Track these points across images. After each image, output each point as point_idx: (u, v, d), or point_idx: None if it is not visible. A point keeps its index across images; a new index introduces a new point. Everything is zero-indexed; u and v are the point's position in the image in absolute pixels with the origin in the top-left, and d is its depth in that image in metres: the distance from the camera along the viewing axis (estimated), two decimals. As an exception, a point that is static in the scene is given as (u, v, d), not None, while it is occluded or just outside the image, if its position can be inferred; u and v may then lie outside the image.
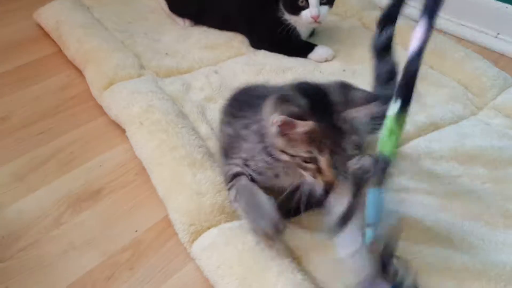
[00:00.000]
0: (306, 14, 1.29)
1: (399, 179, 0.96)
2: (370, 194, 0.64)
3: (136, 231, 0.90)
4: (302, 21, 1.32)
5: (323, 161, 0.71)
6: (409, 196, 0.92)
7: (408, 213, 0.88)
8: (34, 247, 0.87)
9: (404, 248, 0.79)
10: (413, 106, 1.11)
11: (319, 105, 0.72)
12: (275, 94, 0.75)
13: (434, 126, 1.11)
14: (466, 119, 1.15)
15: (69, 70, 1.34)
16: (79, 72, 1.31)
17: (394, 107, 0.62)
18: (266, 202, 0.78)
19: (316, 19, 1.29)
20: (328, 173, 0.71)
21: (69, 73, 1.33)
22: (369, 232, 0.64)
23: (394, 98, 0.62)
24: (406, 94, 0.61)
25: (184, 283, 0.81)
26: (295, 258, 0.81)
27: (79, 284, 0.81)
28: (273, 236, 0.76)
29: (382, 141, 0.63)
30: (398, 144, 0.63)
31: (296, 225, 0.86)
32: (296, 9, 1.30)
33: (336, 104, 0.72)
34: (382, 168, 0.63)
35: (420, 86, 1.22)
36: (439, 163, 1.01)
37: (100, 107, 1.18)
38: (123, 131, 1.09)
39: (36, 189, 0.99)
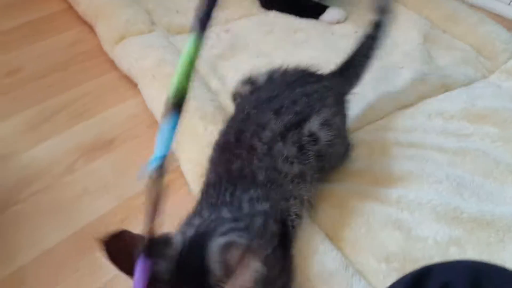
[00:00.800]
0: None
1: (409, 135, 0.97)
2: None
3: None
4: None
5: None
6: (420, 151, 0.93)
7: (419, 167, 0.88)
8: (47, 192, 0.89)
9: (415, 198, 0.81)
10: (425, 68, 1.14)
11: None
12: None
13: (446, 88, 1.11)
14: (477, 82, 1.15)
15: (80, 26, 1.33)
16: (90, 28, 1.30)
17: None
18: None
19: None
20: None
21: (80, 29, 1.33)
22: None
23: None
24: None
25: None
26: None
27: (93, 225, 0.82)
28: None
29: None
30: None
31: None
32: None
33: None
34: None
35: (432, 50, 1.24)
36: (450, 122, 1.01)
37: (111, 62, 1.18)
38: (134, 85, 1.10)
39: (48, 138, 0.99)
